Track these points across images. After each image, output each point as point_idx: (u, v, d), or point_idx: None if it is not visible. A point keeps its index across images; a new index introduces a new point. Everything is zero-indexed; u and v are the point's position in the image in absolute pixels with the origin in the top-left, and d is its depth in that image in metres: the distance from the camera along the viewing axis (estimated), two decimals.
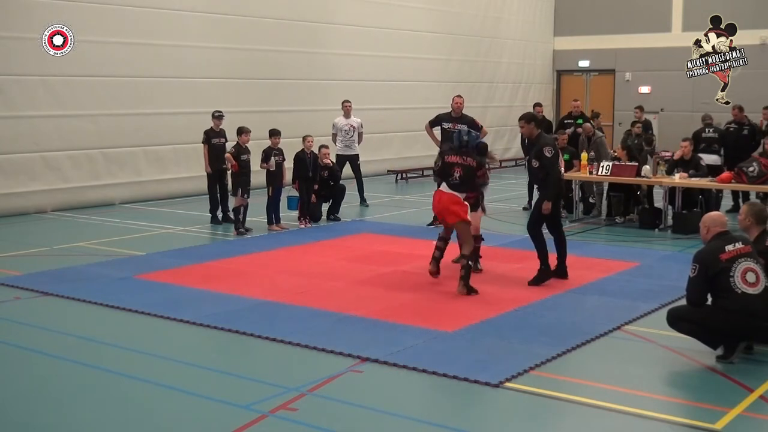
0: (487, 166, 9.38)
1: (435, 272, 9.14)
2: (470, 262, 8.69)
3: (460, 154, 8.84)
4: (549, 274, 9.00)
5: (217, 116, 13.02)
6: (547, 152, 8.85)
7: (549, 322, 7.55)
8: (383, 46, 20.25)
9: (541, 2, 26.06)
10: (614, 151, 13.73)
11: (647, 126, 15.69)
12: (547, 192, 8.96)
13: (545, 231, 9.17)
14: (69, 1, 14.28)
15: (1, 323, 7.65)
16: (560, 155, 9.27)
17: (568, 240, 9.34)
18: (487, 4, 23.81)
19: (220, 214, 13.11)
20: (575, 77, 26.44)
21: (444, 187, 8.85)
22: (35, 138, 14.06)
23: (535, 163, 9.03)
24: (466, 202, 8.77)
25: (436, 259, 9.17)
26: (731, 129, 14.53)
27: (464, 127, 11.99)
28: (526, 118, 9.10)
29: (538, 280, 8.94)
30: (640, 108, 16.34)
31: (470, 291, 8.50)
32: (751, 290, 6.30)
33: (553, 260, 9.13)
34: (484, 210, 9.95)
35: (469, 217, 8.74)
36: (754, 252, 6.47)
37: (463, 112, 12.67)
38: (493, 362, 6.42)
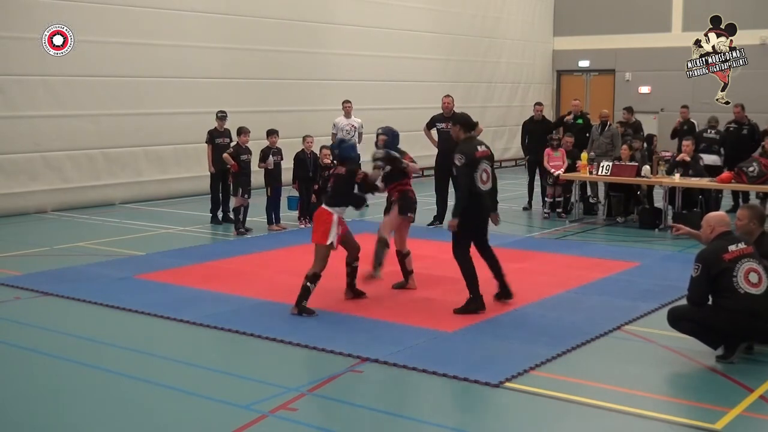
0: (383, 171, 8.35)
1: (352, 298, 8.30)
2: (309, 283, 7.73)
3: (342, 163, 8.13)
4: (478, 303, 7.81)
5: (221, 117, 13.06)
6: (457, 161, 7.76)
7: (549, 322, 7.55)
8: (383, 46, 20.25)
9: (541, 2, 26.04)
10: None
11: (637, 128, 15.55)
12: (454, 207, 7.87)
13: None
14: (69, 1, 14.28)
15: (1, 323, 7.65)
16: (479, 168, 7.77)
17: (568, 240, 9.31)
18: (487, 4, 23.80)
19: (220, 214, 13.11)
20: (575, 77, 26.43)
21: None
22: (35, 138, 14.06)
23: (454, 171, 8.12)
24: (327, 222, 7.76)
25: (349, 286, 8.31)
26: (731, 129, 14.56)
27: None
28: (453, 119, 8.16)
29: (464, 310, 7.77)
30: (629, 109, 15.93)
31: (302, 311, 7.69)
32: (753, 290, 6.30)
33: (493, 283, 8.16)
34: (411, 219, 8.66)
35: (328, 240, 7.72)
36: (756, 253, 6.48)
37: (462, 111, 12.72)
38: (493, 362, 6.42)
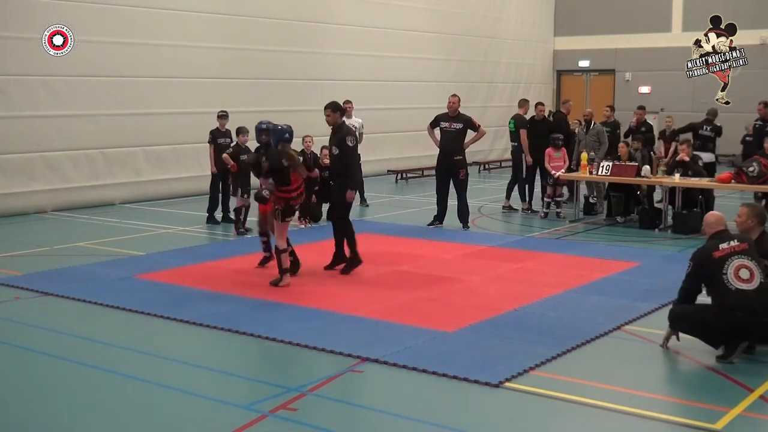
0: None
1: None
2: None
3: None
4: (356, 260, 9.47)
5: (222, 116, 13.06)
6: (350, 141, 9.47)
7: (549, 322, 7.55)
8: (383, 46, 20.25)
9: (541, 2, 26.05)
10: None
11: (616, 126, 15.60)
12: (350, 180, 9.56)
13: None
14: (69, 1, 14.28)
15: (1, 323, 7.65)
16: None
17: (568, 240, 9.32)
18: (487, 4, 23.81)
19: (220, 215, 13.10)
20: (575, 77, 26.45)
21: None
22: (35, 138, 14.06)
23: (336, 151, 9.60)
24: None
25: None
26: (757, 125, 14.56)
27: (460, 124, 12.18)
28: (331, 107, 9.55)
29: (348, 269, 9.44)
30: (611, 107, 16.07)
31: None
32: (745, 286, 6.33)
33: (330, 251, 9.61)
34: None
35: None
36: (751, 249, 6.49)
37: (462, 111, 12.76)
38: (493, 362, 6.42)
